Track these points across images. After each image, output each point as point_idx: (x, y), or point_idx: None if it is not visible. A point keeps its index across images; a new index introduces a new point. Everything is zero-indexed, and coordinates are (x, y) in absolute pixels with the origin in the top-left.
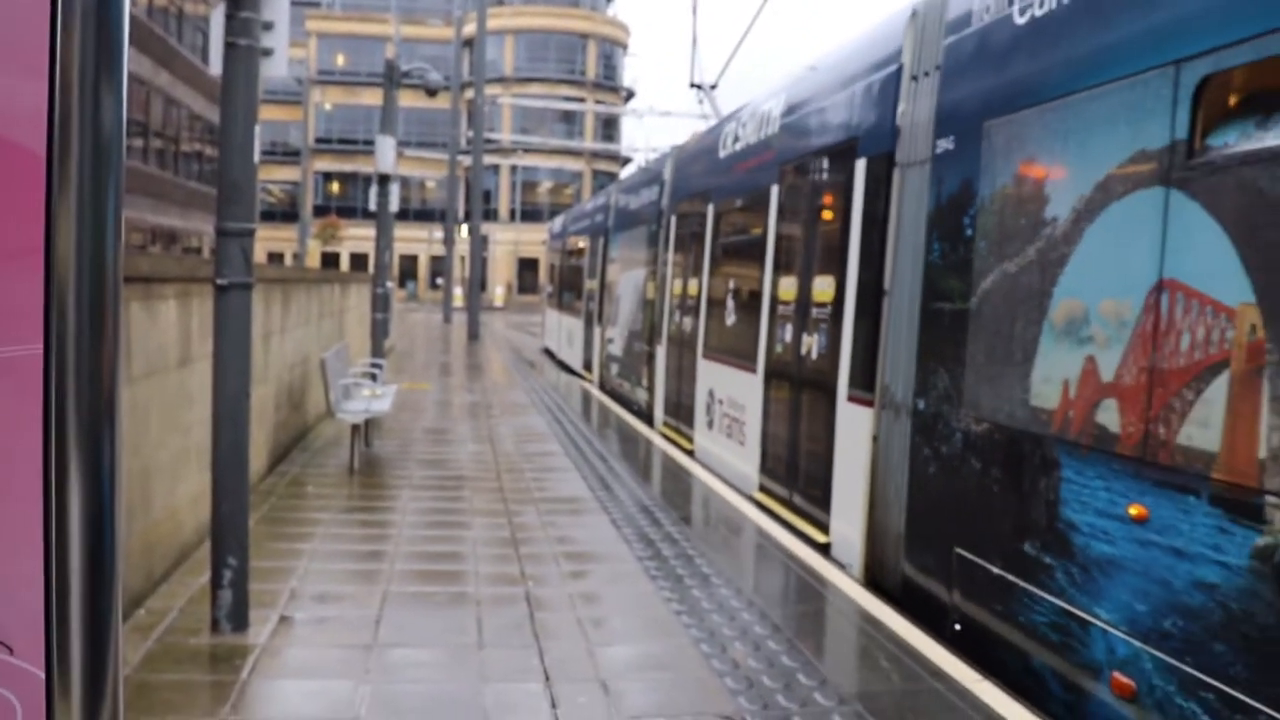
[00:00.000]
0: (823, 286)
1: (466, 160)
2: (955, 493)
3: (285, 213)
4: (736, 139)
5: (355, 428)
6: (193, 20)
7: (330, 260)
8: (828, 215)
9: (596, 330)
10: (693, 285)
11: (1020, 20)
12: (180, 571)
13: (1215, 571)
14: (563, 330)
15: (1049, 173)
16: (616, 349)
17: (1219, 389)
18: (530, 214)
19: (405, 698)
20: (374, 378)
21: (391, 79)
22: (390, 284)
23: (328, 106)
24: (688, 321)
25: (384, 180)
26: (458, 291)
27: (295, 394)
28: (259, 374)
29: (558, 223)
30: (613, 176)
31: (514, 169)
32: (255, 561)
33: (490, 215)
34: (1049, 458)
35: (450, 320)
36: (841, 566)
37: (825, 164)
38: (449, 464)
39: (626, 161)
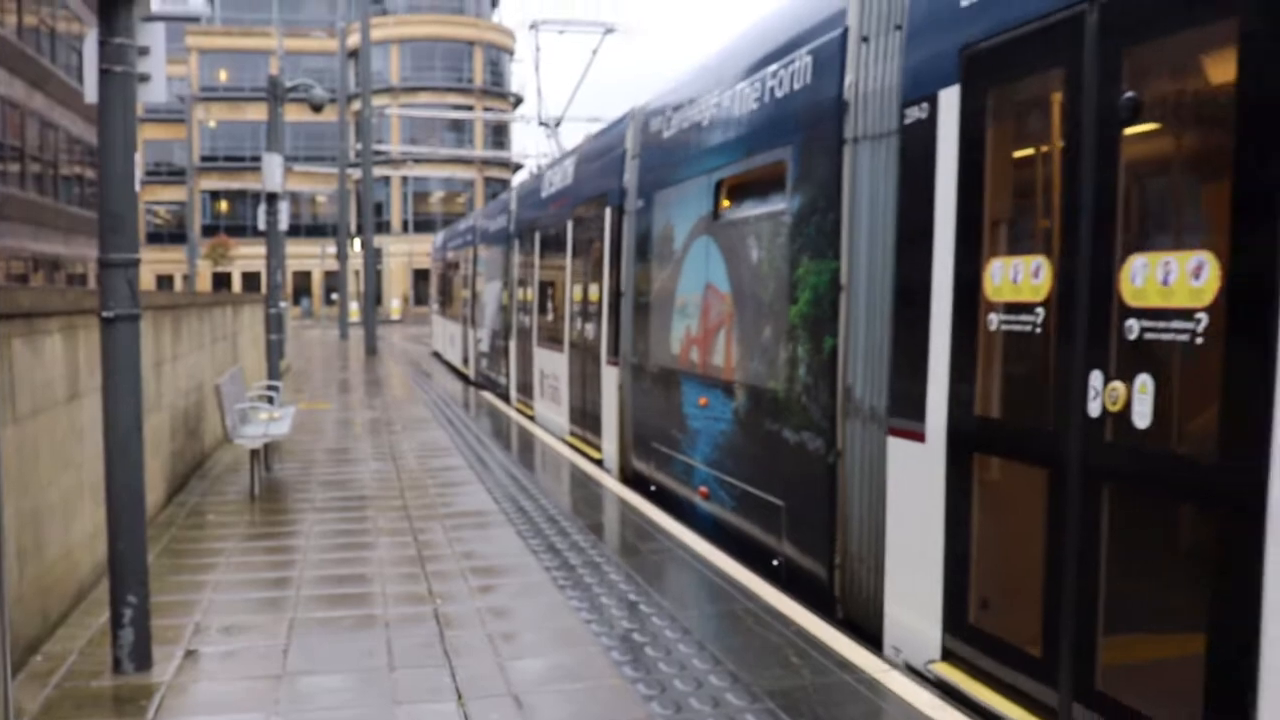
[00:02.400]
0: (594, 290)
1: (356, 173)
2: (648, 410)
3: (173, 234)
4: (550, 184)
5: (254, 452)
6: (66, 39)
7: (222, 281)
8: (595, 243)
9: (470, 332)
10: (530, 292)
11: (665, 136)
12: (78, 612)
13: (725, 424)
14: (446, 334)
15: (674, 224)
16: (484, 346)
17: (721, 335)
18: (423, 224)
19: None
20: (271, 400)
21: (276, 95)
22: (284, 303)
23: (212, 124)
24: (527, 319)
25: (272, 199)
26: (354, 306)
27: (191, 421)
28: (152, 403)
29: (439, 239)
30: (505, 184)
31: (405, 180)
32: (157, 596)
33: (383, 228)
34: (676, 381)
35: (347, 336)
36: (608, 471)
37: (593, 208)
38: (352, 484)
39: (518, 168)
